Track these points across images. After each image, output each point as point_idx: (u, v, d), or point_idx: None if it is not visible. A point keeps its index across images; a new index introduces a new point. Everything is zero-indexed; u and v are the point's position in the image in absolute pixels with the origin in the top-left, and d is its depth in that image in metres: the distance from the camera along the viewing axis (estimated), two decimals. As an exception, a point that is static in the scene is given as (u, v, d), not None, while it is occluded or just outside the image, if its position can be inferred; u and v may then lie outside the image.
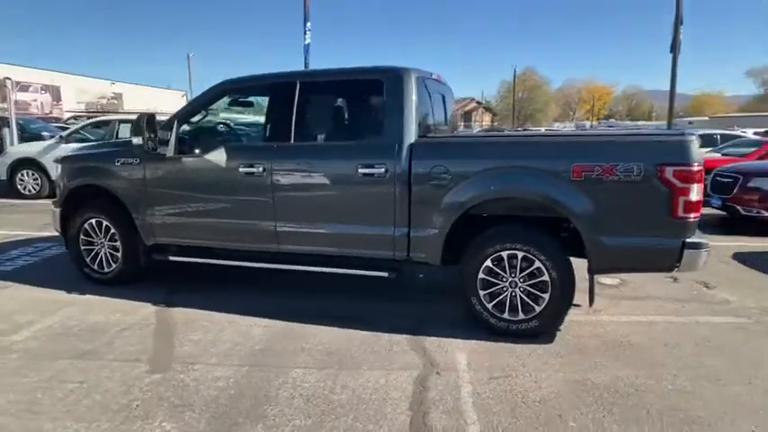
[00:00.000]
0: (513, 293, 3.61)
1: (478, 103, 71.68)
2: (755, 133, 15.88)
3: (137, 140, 4.11)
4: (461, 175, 3.59)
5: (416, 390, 2.96)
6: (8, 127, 11.70)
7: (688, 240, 3.30)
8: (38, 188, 10.31)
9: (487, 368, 3.22)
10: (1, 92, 14.80)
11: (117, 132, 10.17)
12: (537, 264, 3.52)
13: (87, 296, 4.52)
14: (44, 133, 11.91)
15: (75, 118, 22.23)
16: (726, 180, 7.61)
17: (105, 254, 4.75)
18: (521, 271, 3.58)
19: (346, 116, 4.40)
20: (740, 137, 13.81)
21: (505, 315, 3.64)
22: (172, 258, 4.49)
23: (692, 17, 18.87)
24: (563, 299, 3.52)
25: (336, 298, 4.45)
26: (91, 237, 4.76)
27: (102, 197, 4.69)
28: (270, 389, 2.98)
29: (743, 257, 5.80)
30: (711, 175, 7.74)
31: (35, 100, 31.83)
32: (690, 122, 46.77)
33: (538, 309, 3.56)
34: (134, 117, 10.91)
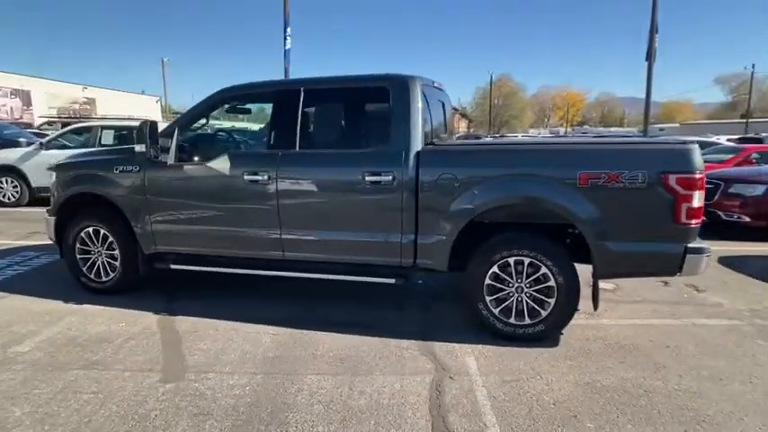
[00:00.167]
0: (520, 299, 3.69)
1: (455, 109, 72.13)
2: (729, 140, 16.41)
3: (139, 148, 4.07)
4: (469, 183, 3.65)
5: (432, 394, 3.00)
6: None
7: (690, 246, 3.43)
8: (17, 196, 10.04)
9: (498, 372, 3.28)
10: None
11: (99, 139, 9.97)
12: (543, 269, 3.60)
13: (86, 306, 4.44)
14: (20, 139, 11.59)
15: (48, 124, 21.68)
16: (707, 186, 7.85)
17: (102, 263, 4.67)
18: (527, 276, 3.66)
19: (352, 124, 4.43)
20: (716, 144, 14.27)
21: (512, 320, 3.71)
22: (174, 267, 4.45)
23: (660, 26, 19.37)
24: (569, 303, 3.61)
25: (339, 305, 4.47)
26: (87, 245, 4.68)
27: (99, 205, 4.63)
28: (287, 396, 2.98)
29: (728, 261, 6.02)
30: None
31: (4, 105, 31.09)
32: (661, 129, 48.12)
33: (544, 313, 3.64)
34: (117, 123, 10.71)
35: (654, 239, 3.47)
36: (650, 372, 3.30)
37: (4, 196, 10.04)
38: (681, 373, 3.27)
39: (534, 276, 3.64)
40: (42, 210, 9.66)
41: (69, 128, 10.72)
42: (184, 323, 4.08)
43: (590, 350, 3.62)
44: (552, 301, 3.61)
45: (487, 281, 3.72)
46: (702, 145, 14.02)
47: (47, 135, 13.14)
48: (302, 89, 4.07)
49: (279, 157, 4.03)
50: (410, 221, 3.80)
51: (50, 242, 6.82)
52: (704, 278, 5.22)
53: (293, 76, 18.36)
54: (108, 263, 4.66)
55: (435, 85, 4.52)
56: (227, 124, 5.77)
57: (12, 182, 10.02)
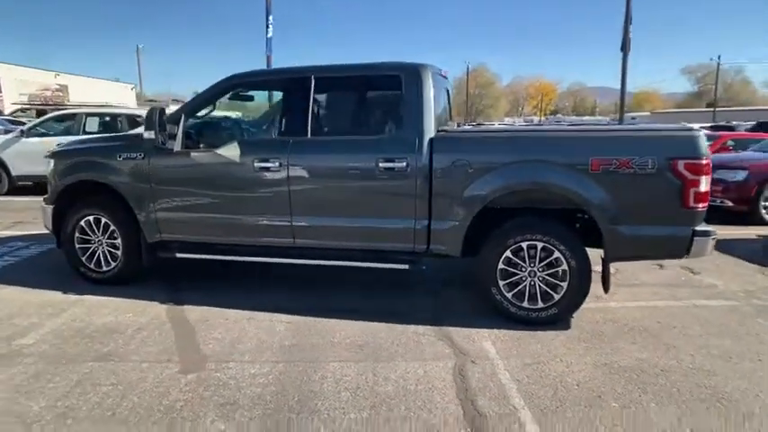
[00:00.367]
0: (533, 282, 3.74)
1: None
2: (702, 128, 16.83)
3: (148, 134, 3.96)
4: (483, 169, 3.67)
5: (457, 379, 3.03)
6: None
7: (697, 229, 3.52)
8: (-4, 184, 9.70)
9: (517, 355, 3.33)
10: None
11: (84, 126, 9.67)
12: (556, 254, 3.66)
13: (87, 296, 4.33)
14: (-4, 127, 11.20)
15: (22, 111, 20.93)
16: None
17: (103, 252, 4.56)
18: (540, 261, 3.71)
19: (363, 111, 4.41)
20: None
21: (525, 304, 3.76)
22: (179, 255, 4.37)
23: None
24: (581, 287, 3.68)
25: (348, 292, 4.46)
26: (87, 235, 4.55)
27: (100, 193, 4.50)
28: (312, 384, 2.97)
29: (716, 245, 6.18)
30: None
31: (-27, 92, 29.86)
32: (633, 118, 49.02)
33: (557, 297, 3.71)
34: (102, 111, 10.45)
35: (663, 223, 3.55)
36: (663, 352, 3.39)
37: (-19, 185, 9.68)
38: (692, 353, 3.37)
39: (547, 261, 3.69)
40: (24, 199, 9.45)
41: (51, 115, 10.39)
42: (193, 312, 4.02)
43: (602, 332, 3.70)
44: (565, 284, 3.67)
45: (501, 265, 3.76)
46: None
47: (23, 123, 12.69)
48: (314, 77, 4.01)
49: (290, 144, 3.97)
50: (423, 207, 3.81)
51: (37, 232, 6.70)
52: (697, 261, 5.36)
53: (276, 64, 18.12)
54: (109, 252, 4.54)
55: (442, 73, 4.51)
56: (217, 113, 5.62)
57: (-10, 170, 9.66)
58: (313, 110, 3.98)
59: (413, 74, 3.87)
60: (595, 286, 3.99)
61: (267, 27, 18.67)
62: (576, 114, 79.72)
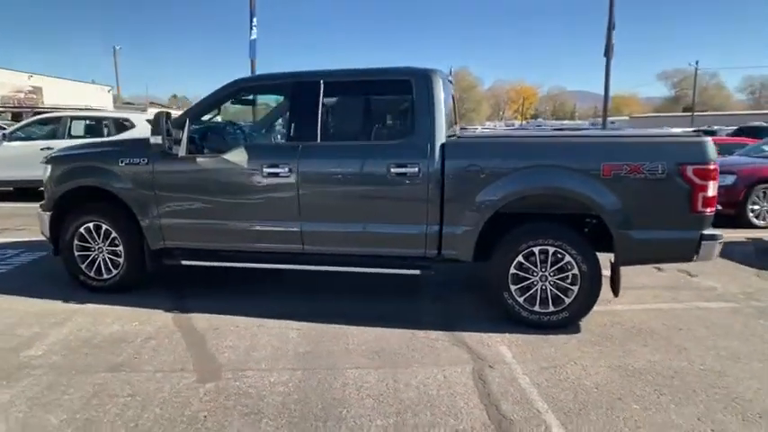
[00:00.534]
0: (544, 287, 3.78)
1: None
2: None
3: (155, 139, 3.90)
4: (496, 174, 3.70)
5: (478, 384, 3.04)
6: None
7: (705, 232, 3.60)
8: (-26, 190, 9.43)
9: (533, 359, 3.35)
10: None
11: (69, 130, 9.46)
12: (567, 258, 3.70)
13: (89, 305, 4.24)
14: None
15: (-2, 113, 20.40)
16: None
17: (104, 260, 4.46)
18: (551, 265, 3.75)
19: (373, 116, 4.40)
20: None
21: (536, 308, 3.79)
22: (184, 263, 4.30)
23: (605, 25, 20.08)
24: (592, 290, 3.72)
25: (354, 299, 4.44)
26: (87, 242, 4.45)
27: (100, 199, 4.41)
28: (334, 391, 2.95)
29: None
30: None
31: (-58, 93, 29.00)
32: (612, 122, 49.93)
33: (568, 301, 3.75)
34: (88, 114, 10.28)
35: (672, 227, 3.62)
36: (674, 354, 3.45)
37: (-40, 191, 9.41)
38: (701, 354, 3.44)
39: (558, 265, 3.73)
40: (6, 205, 9.19)
41: (34, 118, 10.15)
42: (201, 321, 3.95)
43: (611, 335, 3.75)
44: (576, 288, 3.72)
45: (512, 270, 3.79)
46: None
47: (3, 127, 12.36)
48: (323, 81, 3.99)
49: (300, 150, 3.95)
50: (435, 213, 3.82)
51: (26, 239, 6.55)
52: (694, 263, 5.45)
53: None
54: (110, 260, 4.45)
55: (449, 78, 4.53)
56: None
57: (-31, 176, 9.38)
58: (323, 114, 3.97)
59: (423, 79, 3.88)
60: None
61: (251, 29, 18.46)
62: (556, 118, 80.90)
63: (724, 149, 11.66)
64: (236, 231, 4.14)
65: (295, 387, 2.99)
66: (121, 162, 4.25)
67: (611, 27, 20.17)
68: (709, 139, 3.61)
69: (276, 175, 3.95)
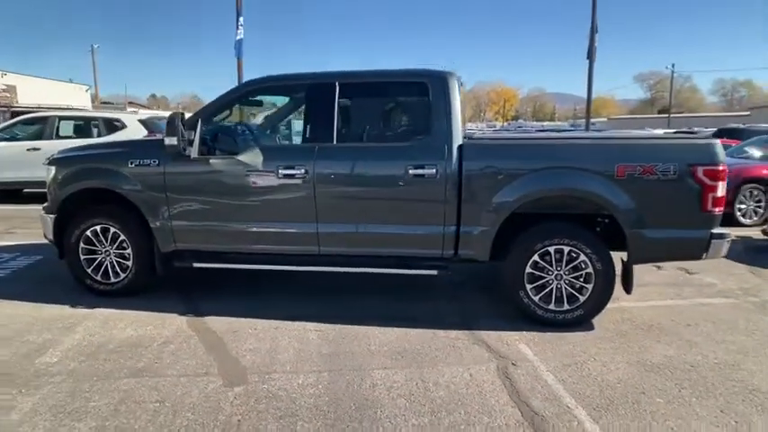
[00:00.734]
0: (559, 285, 3.84)
1: (397, 103, 72.87)
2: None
3: (170, 140, 3.84)
4: (513, 175, 3.76)
5: (505, 382, 3.08)
6: None
7: (714, 231, 3.71)
8: (-41, 192, 9.15)
9: (553, 357, 3.41)
10: None
11: (57, 130, 9.24)
12: (582, 257, 3.77)
13: (99, 310, 4.16)
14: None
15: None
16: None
17: (111, 263, 4.38)
18: (566, 264, 3.82)
19: (390, 118, 4.43)
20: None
21: (551, 306, 3.86)
22: (196, 265, 4.25)
23: (583, 28, 20.52)
24: (606, 288, 3.80)
25: (368, 300, 4.45)
26: (94, 245, 4.37)
27: (107, 201, 4.33)
28: (364, 392, 2.96)
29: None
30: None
31: None
32: (593, 124, 50.79)
33: (582, 298, 3.82)
34: (77, 114, 10.08)
35: (683, 226, 3.73)
36: (686, 348, 3.55)
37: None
38: (713, 349, 3.55)
39: (573, 264, 3.80)
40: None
41: (21, 118, 9.88)
42: (217, 323, 3.92)
43: (624, 332, 3.84)
44: (590, 286, 3.79)
45: (528, 269, 3.85)
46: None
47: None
48: (338, 82, 4.00)
49: (316, 151, 3.95)
50: (452, 214, 3.86)
51: (20, 242, 6.40)
52: (690, 261, 5.64)
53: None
54: (118, 263, 4.37)
55: (462, 80, 4.58)
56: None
57: (-48, 178, 9.10)
58: (339, 116, 3.97)
59: (440, 80, 3.92)
60: (614, 287, 4.14)
61: (237, 29, 18.22)
62: (536, 120, 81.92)
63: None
64: (250, 233, 4.12)
65: (325, 389, 2.99)
66: (131, 163, 4.18)
67: (593, 30, 20.56)
68: (718, 141, 3.72)
69: (292, 176, 3.94)
